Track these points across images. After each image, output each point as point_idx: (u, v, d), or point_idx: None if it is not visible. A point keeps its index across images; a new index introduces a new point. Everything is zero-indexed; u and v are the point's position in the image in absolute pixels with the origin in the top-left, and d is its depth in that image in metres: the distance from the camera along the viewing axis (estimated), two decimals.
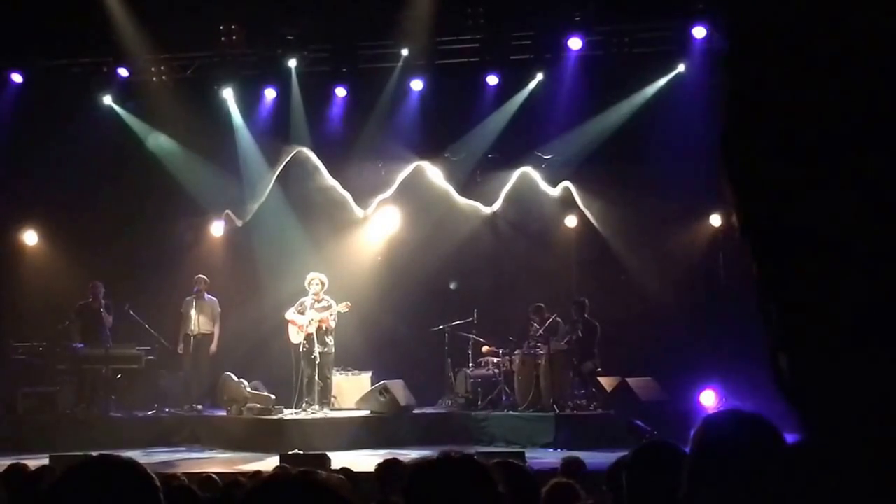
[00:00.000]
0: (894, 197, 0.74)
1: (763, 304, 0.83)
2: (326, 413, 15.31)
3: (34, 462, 8.37)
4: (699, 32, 16.20)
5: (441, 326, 16.68)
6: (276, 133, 18.28)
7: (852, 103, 0.76)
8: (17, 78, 17.61)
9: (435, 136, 18.11)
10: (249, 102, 18.40)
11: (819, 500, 0.76)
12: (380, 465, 7.20)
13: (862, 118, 0.76)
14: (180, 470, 10.19)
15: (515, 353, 15.81)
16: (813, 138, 0.78)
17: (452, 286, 17.41)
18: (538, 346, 15.48)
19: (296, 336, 15.62)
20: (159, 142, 18.34)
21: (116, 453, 2.72)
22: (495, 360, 16.27)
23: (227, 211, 18.37)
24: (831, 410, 0.78)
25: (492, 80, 17.72)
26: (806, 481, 0.78)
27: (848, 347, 0.76)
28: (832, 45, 0.77)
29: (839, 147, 0.76)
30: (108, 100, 18.13)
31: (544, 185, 18.16)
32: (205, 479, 7.38)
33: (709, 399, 14.46)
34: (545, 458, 12.45)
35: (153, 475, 2.60)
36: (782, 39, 0.80)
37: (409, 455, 10.81)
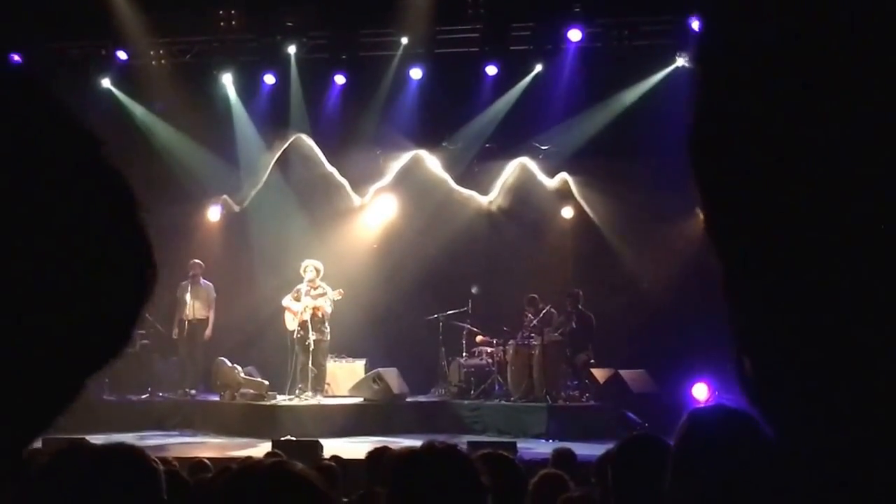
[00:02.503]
0: (859, 200, 0.75)
1: (728, 306, 0.83)
2: (320, 400, 15.33)
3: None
4: (699, 26, 16.15)
5: (436, 315, 16.69)
6: (274, 119, 18.25)
7: (826, 107, 0.76)
8: (15, 59, 17.54)
9: (433, 126, 18.10)
10: (248, 88, 18.35)
11: (785, 496, 0.78)
12: (369, 454, 7.20)
13: (831, 122, 0.76)
14: (172, 454, 10.20)
15: (509, 343, 15.83)
16: (780, 141, 0.78)
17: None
18: (532, 337, 15.51)
19: (291, 322, 15.63)
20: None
21: (109, 437, 2.72)
22: (489, 349, 16.29)
23: (224, 196, 18.36)
24: (793, 414, 0.79)
25: (491, 70, 17.67)
26: (777, 479, 0.80)
27: (809, 350, 0.77)
28: (809, 49, 0.78)
29: (806, 151, 0.77)
30: (106, 83, 18.08)
31: (541, 176, 18.14)
32: (196, 463, 7.40)
33: (701, 392, 14.47)
34: (537, 448, 12.47)
35: (153, 459, 2.61)
36: (759, 39, 0.81)
37: (401, 443, 10.81)
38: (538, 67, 17.55)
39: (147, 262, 0.98)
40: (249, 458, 7.93)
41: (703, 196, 0.85)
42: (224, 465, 7.26)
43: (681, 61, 16.63)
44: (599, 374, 15.14)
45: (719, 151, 0.83)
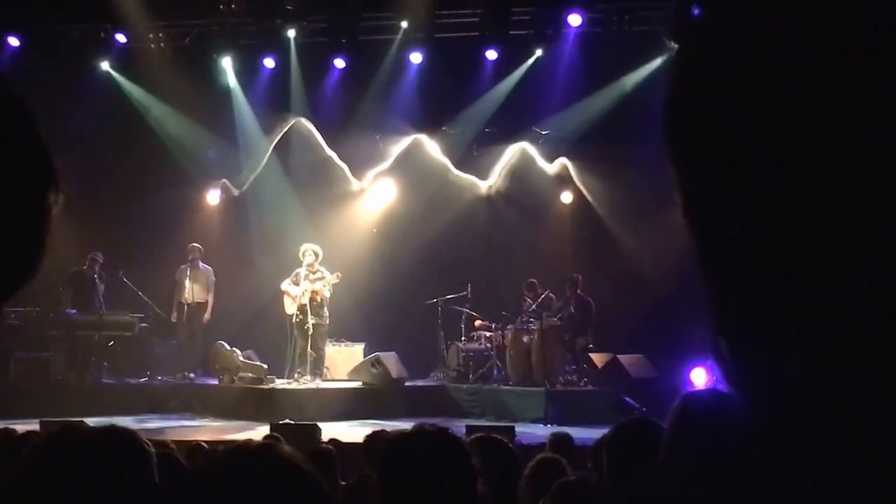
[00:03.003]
0: (833, 175, 0.75)
1: (706, 287, 0.84)
2: (318, 384, 15.34)
3: (24, 428, 8.39)
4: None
5: (435, 300, 16.70)
6: (274, 103, 18.24)
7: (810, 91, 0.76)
8: (13, 42, 17.50)
9: (433, 110, 18.07)
10: (248, 72, 18.32)
11: (759, 477, 0.78)
12: (367, 438, 7.23)
13: (806, 98, 0.76)
14: (171, 438, 10.21)
15: (508, 328, 15.83)
16: (754, 118, 0.78)
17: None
18: (531, 322, 15.51)
19: (290, 307, 15.63)
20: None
21: (108, 421, 2.72)
22: (488, 334, 16.31)
23: (224, 180, 18.35)
24: (766, 394, 0.79)
25: (491, 54, 17.64)
26: (754, 459, 0.80)
27: (782, 329, 0.77)
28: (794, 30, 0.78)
29: (779, 127, 0.77)
30: (105, 66, 18.05)
31: (541, 161, 18.13)
32: (194, 447, 7.41)
33: (700, 377, 14.48)
34: (535, 432, 12.48)
35: (145, 441, 2.60)
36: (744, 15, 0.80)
37: (399, 427, 10.82)
38: (538, 52, 17.52)
39: (47, 176, 0.98)
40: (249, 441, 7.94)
41: (677, 173, 0.84)
42: (212, 448, 7.30)
43: None
44: (598, 358, 15.16)
45: (694, 128, 0.82)
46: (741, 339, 0.81)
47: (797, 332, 0.76)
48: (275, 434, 8.49)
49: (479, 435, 3.92)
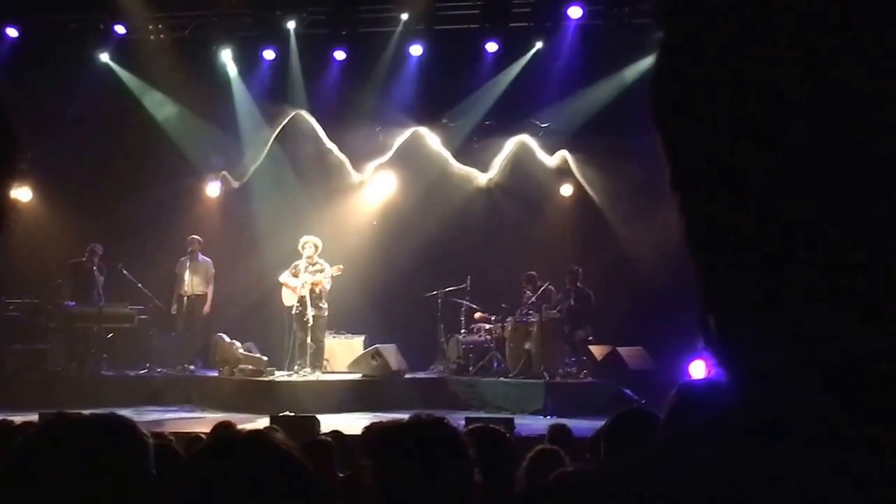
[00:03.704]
0: (817, 155, 0.75)
1: (692, 264, 0.85)
2: (318, 376, 15.33)
3: (22, 420, 8.36)
4: None
5: (434, 292, 16.71)
6: (273, 95, 18.21)
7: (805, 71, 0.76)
8: (12, 32, 17.46)
9: (433, 102, 18.04)
10: (247, 63, 18.30)
11: (747, 457, 0.77)
12: (366, 429, 7.20)
13: (793, 78, 0.77)
14: (170, 430, 10.21)
15: (507, 320, 15.84)
16: (740, 96, 0.78)
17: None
18: (530, 314, 15.51)
19: (289, 298, 15.62)
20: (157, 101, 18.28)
21: (107, 412, 2.70)
22: (487, 326, 16.32)
23: (224, 172, 18.33)
24: (755, 369, 0.79)
25: (491, 46, 17.62)
26: (734, 439, 0.79)
27: (770, 307, 0.77)
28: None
29: (766, 106, 0.77)
30: (104, 57, 18.02)
31: (541, 154, 18.09)
32: (193, 438, 7.40)
33: (698, 369, 14.45)
34: (534, 424, 12.47)
35: (142, 431, 2.59)
36: None
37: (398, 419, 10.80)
38: (538, 44, 17.49)
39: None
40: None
41: (665, 151, 0.86)
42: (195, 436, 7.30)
43: None
44: (597, 350, 15.17)
45: (680, 106, 0.84)
46: (729, 315, 0.81)
47: (780, 309, 0.77)
48: (274, 426, 8.48)
49: (476, 425, 3.91)
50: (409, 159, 18.39)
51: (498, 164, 18.33)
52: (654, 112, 0.87)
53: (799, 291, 0.76)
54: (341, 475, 6.17)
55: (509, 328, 15.74)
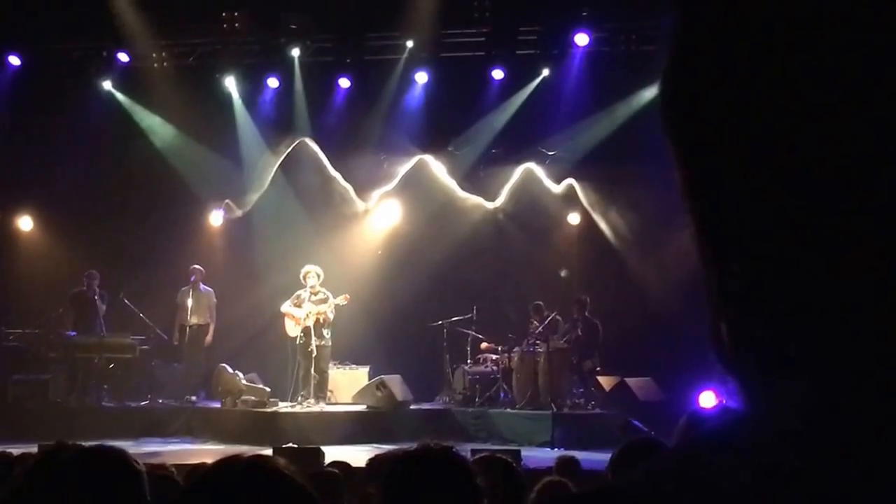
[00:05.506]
0: (833, 152, 0.71)
1: (704, 273, 0.82)
2: (322, 407, 15.25)
3: (22, 451, 8.21)
4: None
5: (440, 322, 16.62)
6: (278, 123, 18.27)
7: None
8: (14, 61, 17.48)
9: (438, 130, 18.05)
10: (252, 91, 18.34)
11: (761, 468, 0.72)
12: (370, 460, 7.05)
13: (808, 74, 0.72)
14: (171, 461, 10.06)
15: (514, 350, 15.75)
16: (767, 98, 0.74)
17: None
18: (537, 344, 15.41)
19: (292, 329, 15.56)
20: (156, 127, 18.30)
21: (108, 443, 2.85)
22: (494, 357, 16.23)
23: (227, 200, 18.30)
24: (768, 377, 0.76)
25: (497, 74, 17.62)
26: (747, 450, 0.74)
27: (785, 316, 0.74)
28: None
29: (782, 102, 0.73)
30: (107, 85, 18.03)
31: (548, 182, 18.07)
32: (193, 469, 7.25)
33: (708, 400, 14.33)
34: (542, 456, 12.34)
35: (135, 461, 2.69)
36: None
37: None
38: (545, 72, 17.50)
39: None
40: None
41: (675, 151, 0.83)
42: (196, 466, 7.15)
43: None
44: (605, 381, 15.10)
45: (694, 105, 0.80)
46: (743, 322, 0.78)
47: (804, 315, 0.74)
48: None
49: (484, 455, 3.79)
50: (415, 188, 18.36)
51: (504, 192, 18.29)
52: (664, 111, 0.84)
53: (817, 298, 0.73)
54: None
55: (516, 358, 15.65)
